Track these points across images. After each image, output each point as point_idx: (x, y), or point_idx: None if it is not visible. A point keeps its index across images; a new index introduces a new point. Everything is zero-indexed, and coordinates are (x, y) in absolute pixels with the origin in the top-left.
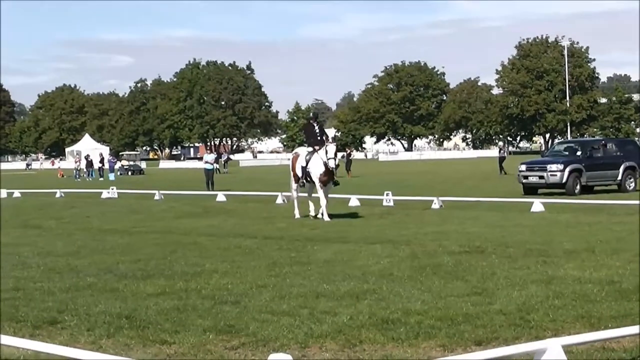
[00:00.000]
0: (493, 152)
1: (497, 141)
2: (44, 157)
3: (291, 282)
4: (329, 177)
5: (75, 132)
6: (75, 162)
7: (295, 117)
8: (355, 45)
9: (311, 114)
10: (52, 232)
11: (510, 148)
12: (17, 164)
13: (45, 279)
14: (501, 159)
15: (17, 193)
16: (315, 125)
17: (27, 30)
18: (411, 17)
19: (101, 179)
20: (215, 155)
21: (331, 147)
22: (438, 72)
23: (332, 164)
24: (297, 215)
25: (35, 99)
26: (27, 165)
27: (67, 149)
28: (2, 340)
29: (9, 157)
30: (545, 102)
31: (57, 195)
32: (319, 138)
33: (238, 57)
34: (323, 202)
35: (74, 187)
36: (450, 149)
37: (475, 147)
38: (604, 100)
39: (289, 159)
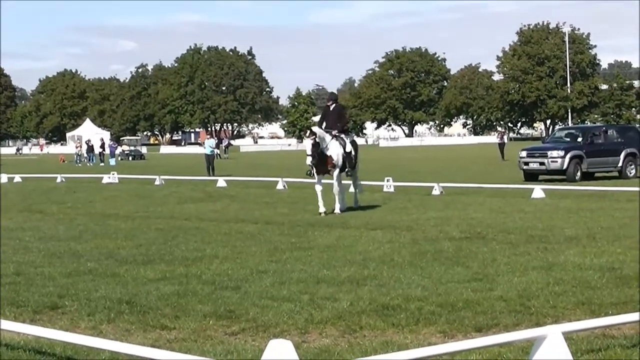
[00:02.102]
0: (494, 138)
1: (497, 127)
2: (45, 141)
3: (292, 267)
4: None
5: (77, 117)
6: (76, 147)
7: (295, 103)
8: (361, 30)
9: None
10: (53, 217)
11: (511, 134)
12: (34, 149)
13: (47, 264)
14: (501, 145)
15: (17, 178)
16: (329, 107)
17: (35, 14)
18: (420, 3)
19: (102, 164)
20: (216, 141)
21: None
22: (439, 58)
23: (308, 161)
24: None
25: (36, 84)
26: (18, 149)
27: (68, 134)
28: (3, 325)
29: (9, 141)
30: (546, 89)
31: (58, 180)
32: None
33: (241, 43)
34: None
35: (75, 172)
36: (452, 135)
37: (475, 134)
38: (605, 86)
39: (289, 145)
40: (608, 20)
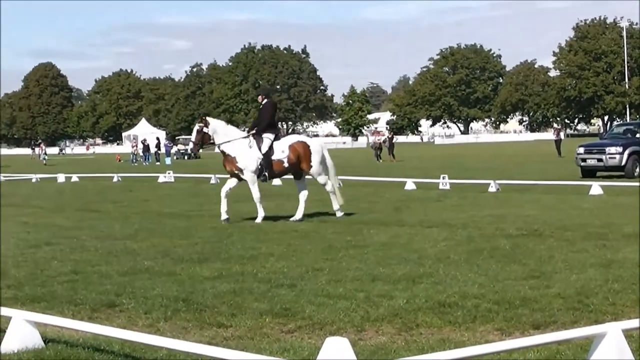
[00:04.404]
0: (550, 135)
1: (553, 124)
2: (101, 141)
3: (347, 265)
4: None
5: (132, 117)
6: (132, 147)
7: (350, 101)
8: (413, 27)
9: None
10: (110, 216)
11: (568, 131)
12: (76, 149)
13: (103, 262)
14: (557, 142)
15: (75, 177)
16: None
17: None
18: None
19: (157, 163)
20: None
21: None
22: (494, 55)
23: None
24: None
25: (92, 84)
26: (60, 150)
27: (124, 134)
28: (62, 323)
29: (67, 141)
30: (604, 84)
31: (115, 179)
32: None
33: (293, 41)
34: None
35: (131, 171)
36: (508, 132)
37: (532, 130)
38: None
39: (344, 143)
40: None
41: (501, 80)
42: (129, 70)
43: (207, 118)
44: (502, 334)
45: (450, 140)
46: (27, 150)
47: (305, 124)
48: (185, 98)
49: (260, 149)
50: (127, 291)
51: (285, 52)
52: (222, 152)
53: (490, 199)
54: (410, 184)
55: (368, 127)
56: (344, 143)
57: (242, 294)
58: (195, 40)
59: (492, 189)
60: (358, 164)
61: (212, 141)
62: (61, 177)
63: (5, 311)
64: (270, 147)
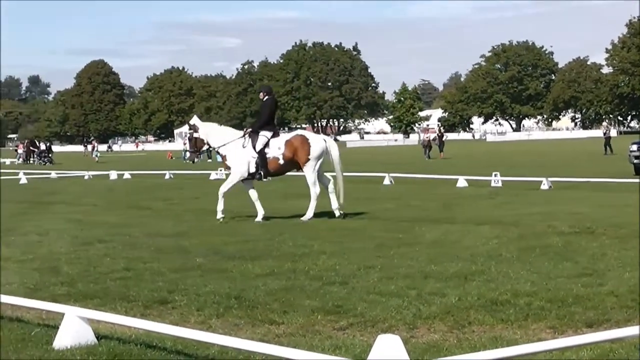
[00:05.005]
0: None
1: (606, 120)
2: (152, 139)
3: (399, 263)
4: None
5: (184, 114)
6: (184, 144)
7: (402, 98)
8: (464, 24)
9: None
10: (161, 213)
11: (621, 128)
12: (127, 146)
13: (155, 259)
14: (607, 139)
15: (127, 175)
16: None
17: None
18: None
19: (209, 160)
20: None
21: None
22: (546, 52)
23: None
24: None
25: (144, 82)
26: (109, 147)
27: (176, 131)
28: (115, 320)
29: (117, 138)
30: None
31: (166, 176)
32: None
33: (344, 39)
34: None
35: (183, 168)
36: (560, 129)
37: (584, 127)
38: None
39: (395, 140)
40: None
41: (553, 77)
42: (180, 68)
43: (196, 123)
44: (554, 332)
45: (502, 138)
46: (79, 148)
47: (356, 121)
48: (236, 95)
49: (254, 147)
50: (179, 288)
51: (336, 49)
52: (217, 153)
53: (542, 197)
54: (461, 182)
55: (419, 125)
56: (396, 140)
57: (293, 291)
58: (245, 38)
59: (545, 186)
60: (408, 161)
61: (207, 145)
62: (113, 175)
63: (59, 308)
64: (266, 145)
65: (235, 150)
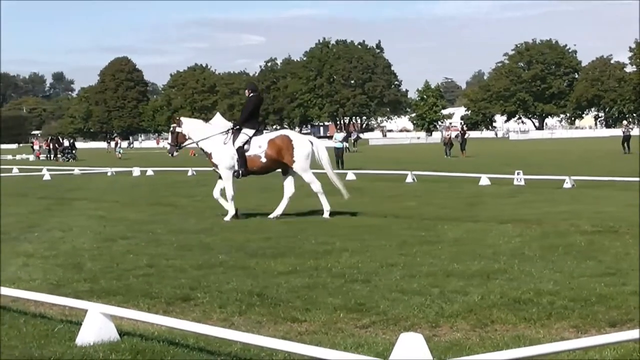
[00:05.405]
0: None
1: (629, 119)
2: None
3: (421, 261)
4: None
5: (207, 111)
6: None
7: (424, 96)
8: (487, 22)
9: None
10: (184, 210)
11: None
12: (148, 143)
13: (178, 256)
14: (626, 138)
15: (150, 171)
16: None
17: (164, 11)
18: None
19: None
20: (345, 134)
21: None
22: (569, 50)
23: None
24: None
25: (167, 79)
26: (129, 143)
27: None
28: (137, 316)
29: (141, 135)
30: None
31: (189, 173)
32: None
33: (367, 36)
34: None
35: (206, 165)
36: (583, 128)
37: (607, 126)
38: None
39: (418, 138)
40: None
41: (576, 76)
42: (203, 65)
43: (181, 118)
44: (577, 331)
45: (524, 136)
46: (102, 144)
47: (379, 118)
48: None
49: (234, 143)
50: (201, 285)
51: (359, 47)
52: (201, 149)
53: (564, 195)
54: (484, 180)
55: (442, 122)
56: (418, 138)
57: (316, 288)
58: (269, 35)
59: (567, 185)
60: (429, 159)
61: (189, 140)
62: (136, 171)
63: (82, 304)
64: (247, 142)
65: (218, 147)
